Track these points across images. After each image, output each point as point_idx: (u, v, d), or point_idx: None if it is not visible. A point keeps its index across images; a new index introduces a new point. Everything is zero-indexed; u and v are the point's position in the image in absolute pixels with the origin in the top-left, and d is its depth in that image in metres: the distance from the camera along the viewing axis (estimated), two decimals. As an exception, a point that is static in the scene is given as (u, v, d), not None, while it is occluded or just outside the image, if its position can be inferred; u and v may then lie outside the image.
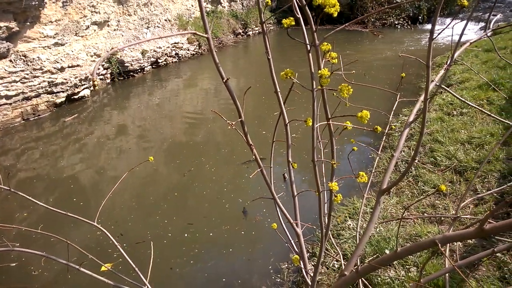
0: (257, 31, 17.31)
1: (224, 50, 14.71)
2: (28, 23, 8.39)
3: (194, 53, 13.65)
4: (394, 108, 2.67)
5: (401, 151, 4.97)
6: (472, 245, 3.17)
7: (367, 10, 16.01)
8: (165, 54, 12.45)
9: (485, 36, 2.38)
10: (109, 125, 8.16)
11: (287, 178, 4.93)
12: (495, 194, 3.67)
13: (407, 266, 2.99)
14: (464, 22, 2.22)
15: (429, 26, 15.18)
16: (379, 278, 2.82)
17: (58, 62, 9.09)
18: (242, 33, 16.55)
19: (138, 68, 11.28)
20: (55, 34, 9.11)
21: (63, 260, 2.02)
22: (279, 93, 1.82)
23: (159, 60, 12.10)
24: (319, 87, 1.47)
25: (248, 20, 16.83)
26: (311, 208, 3.82)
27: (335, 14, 1.32)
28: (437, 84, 2.25)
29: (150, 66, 11.83)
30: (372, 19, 16.11)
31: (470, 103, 2.34)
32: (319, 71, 1.40)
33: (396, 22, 15.53)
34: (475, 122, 5.23)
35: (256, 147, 1.74)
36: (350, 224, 3.78)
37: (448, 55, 2.31)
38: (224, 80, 1.47)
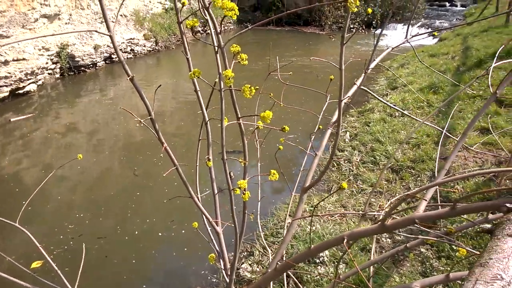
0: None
1: (182, 48, 14.54)
2: (-32, 13, 7.94)
3: (151, 49, 13.41)
4: (323, 109, 2.74)
5: (344, 151, 5.14)
6: (400, 241, 3.33)
7: (324, 13, 16.37)
8: (120, 49, 12.14)
9: (406, 42, 2.50)
10: (56, 122, 7.86)
11: (233, 176, 4.96)
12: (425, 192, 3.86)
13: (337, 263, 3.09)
14: (411, 26, 2.32)
15: (383, 31, 15.67)
16: (309, 276, 2.90)
17: (1, 55, 8.65)
18: (201, 31, 16.44)
19: (90, 63, 10.93)
20: (-1, 26, 8.67)
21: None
22: (198, 92, 1.84)
23: (112, 56, 11.78)
24: (228, 86, 1.50)
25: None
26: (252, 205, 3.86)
27: (234, 17, 1.35)
28: (358, 86, 2.34)
29: (103, 62, 11.50)
30: (329, 23, 16.50)
31: (390, 104, 2.46)
32: (223, 72, 1.42)
33: (352, 26, 15.97)
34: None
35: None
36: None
37: (382, 58, 2.41)
38: (129, 78, 1.46)
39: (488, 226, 1.65)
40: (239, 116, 1.62)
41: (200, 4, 1.43)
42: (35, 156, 6.48)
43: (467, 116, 5.22)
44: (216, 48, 1.49)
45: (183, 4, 1.74)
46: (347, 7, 1.35)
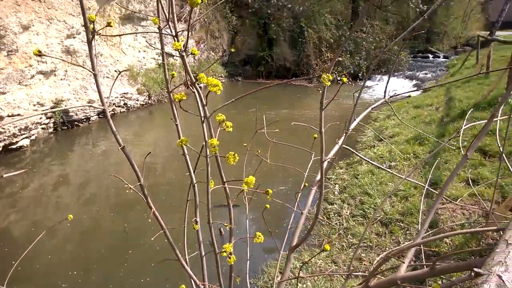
0: (208, 83, 17.73)
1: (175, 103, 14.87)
2: (-33, 72, 8.16)
3: (144, 103, 13.70)
4: (309, 166, 2.83)
5: (333, 204, 5.18)
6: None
7: (312, 67, 17.03)
8: (113, 104, 12.40)
9: (385, 102, 2.65)
10: (48, 178, 7.84)
11: (223, 232, 4.94)
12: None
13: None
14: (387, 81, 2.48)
15: (367, 83, 16.32)
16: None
17: (-4, 112, 8.80)
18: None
19: (83, 117, 11.11)
20: (-5, 83, 8.88)
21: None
22: (187, 156, 1.92)
23: (106, 110, 11.99)
24: (213, 154, 1.59)
25: (199, 73, 17.28)
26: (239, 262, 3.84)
27: (218, 92, 1.46)
28: (340, 145, 2.44)
29: (97, 116, 11.68)
30: (317, 75, 17.10)
31: (372, 162, 2.56)
32: (209, 141, 1.52)
33: (338, 78, 16.57)
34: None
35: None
36: (278, 282, 3.81)
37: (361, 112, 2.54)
38: (120, 147, 1.54)
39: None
40: (225, 180, 1.69)
41: (187, 77, 1.55)
42: (26, 213, 6.41)
43: (453, 167, 5.35)
44: (203, 118, 1.59)
45: (172, 76, 1.88)
46: (321, 80, 1.47)
